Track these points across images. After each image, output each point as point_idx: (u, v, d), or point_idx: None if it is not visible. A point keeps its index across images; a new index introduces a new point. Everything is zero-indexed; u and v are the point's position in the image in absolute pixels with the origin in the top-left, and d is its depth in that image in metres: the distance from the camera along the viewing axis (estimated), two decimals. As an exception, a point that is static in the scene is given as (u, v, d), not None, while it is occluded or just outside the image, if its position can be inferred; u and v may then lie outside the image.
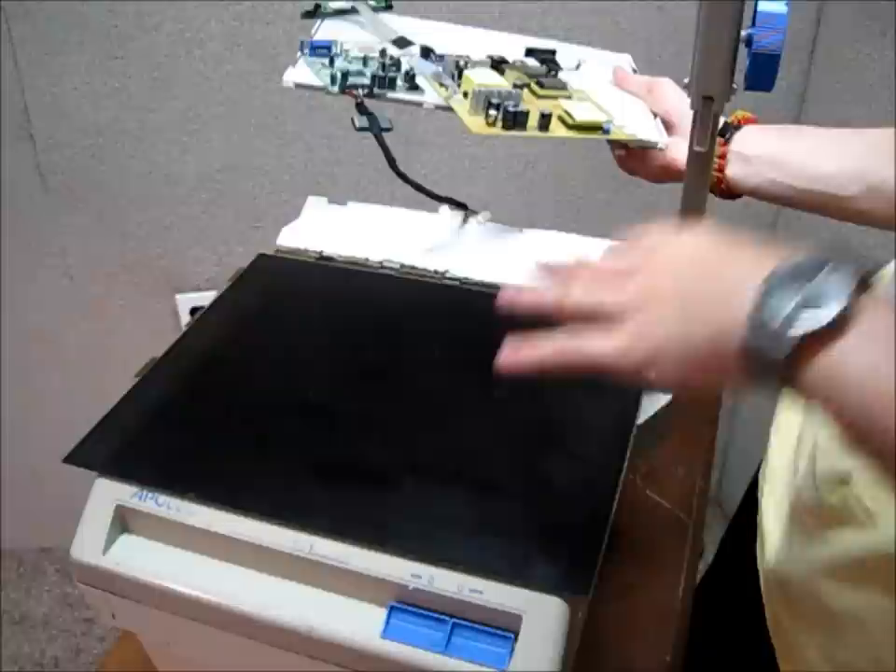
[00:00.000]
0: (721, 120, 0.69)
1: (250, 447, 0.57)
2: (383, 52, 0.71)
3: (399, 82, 0.68)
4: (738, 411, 1.63)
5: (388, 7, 0.81)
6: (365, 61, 0.70)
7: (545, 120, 0.64)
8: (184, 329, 0.67)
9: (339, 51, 0.72)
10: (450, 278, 0.73)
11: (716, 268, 0.42)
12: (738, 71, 0.54)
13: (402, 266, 0.74)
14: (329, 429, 0.58)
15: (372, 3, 0.81)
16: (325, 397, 0.61)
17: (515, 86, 0.68)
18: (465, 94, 0.67)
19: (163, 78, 1.26)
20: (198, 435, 0.58)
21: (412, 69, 0.70)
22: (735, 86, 0.54)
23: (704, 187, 0.60)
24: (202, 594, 0.51)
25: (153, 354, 0.64)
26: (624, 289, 0.43)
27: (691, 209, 0.61)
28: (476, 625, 0.48)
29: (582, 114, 0.66)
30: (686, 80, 0.57)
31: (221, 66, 1.26)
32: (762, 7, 0.52)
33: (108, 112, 1.27)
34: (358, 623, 0.49)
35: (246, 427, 0.58)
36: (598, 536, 0.50)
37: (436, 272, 0.73)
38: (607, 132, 0.67)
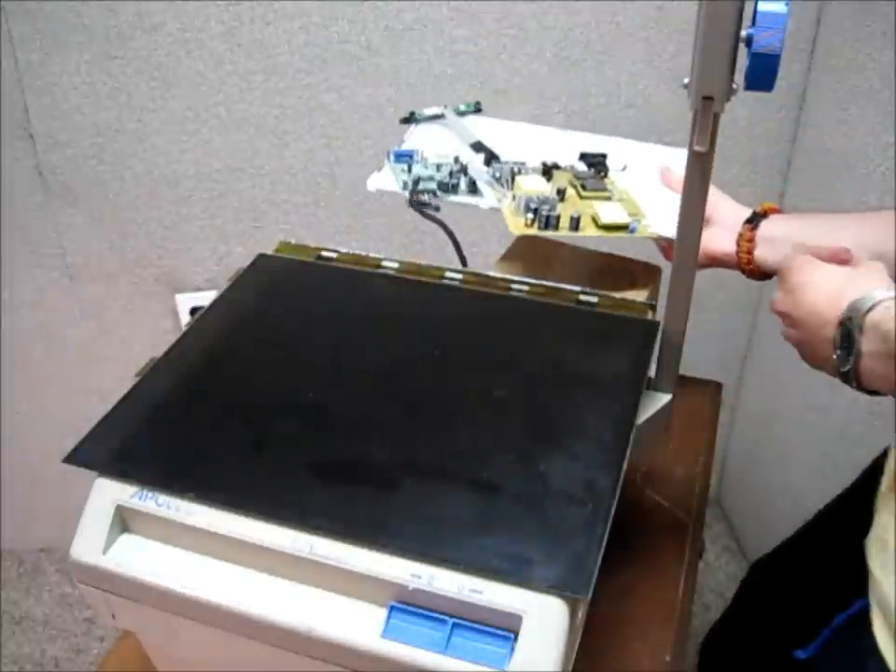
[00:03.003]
0: (750, 211, 0.77)
1: (250, 447, 0.57)
2: (456, 159, 0.83)
3: (462, 186, 0.80)
4: (738, 411, 1.63)
5: (478, 111, 0.95)
6: (438, 167, 0.82)
7: (574, 222, 0.75)
8: (184, 328, 0.67)
9: (418, 158, 0.83)
10: (449, 278, 0.73)
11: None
12: (738, 71, 0.54)
13: (402, 265, 0.74)
14: (329, 429, 0.58)
15: (462, 107, 0.95)
16: (325, 397, 0.61)
17: (559, 191, 0.78)
18: (513, 197, 0.77)
19: (163, 78, 1.26)
20: (198, 435, 0.58)
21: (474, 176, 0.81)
22: (735, 86, 0.54)
23: (704, 188, 0.60)
24: (202, 594, 0.51)
25: (153, 354, 0.64)
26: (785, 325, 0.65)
27: (691, 210, 0.61)
28: (476, 625, 0.48)
29: (608, 216, 0.75)
30: (686, 80, 0.57)
31: (221, 66, 1.26)
32: (762, 7, 0.52)
33: (108, 112, 1.27)
34: (358, 623, 0.49)
35: (246, 426, 0.58)
36: (598, 536, 0.50)
37: (437, 269, 0.74)
38: (633, 231, 0.75)
